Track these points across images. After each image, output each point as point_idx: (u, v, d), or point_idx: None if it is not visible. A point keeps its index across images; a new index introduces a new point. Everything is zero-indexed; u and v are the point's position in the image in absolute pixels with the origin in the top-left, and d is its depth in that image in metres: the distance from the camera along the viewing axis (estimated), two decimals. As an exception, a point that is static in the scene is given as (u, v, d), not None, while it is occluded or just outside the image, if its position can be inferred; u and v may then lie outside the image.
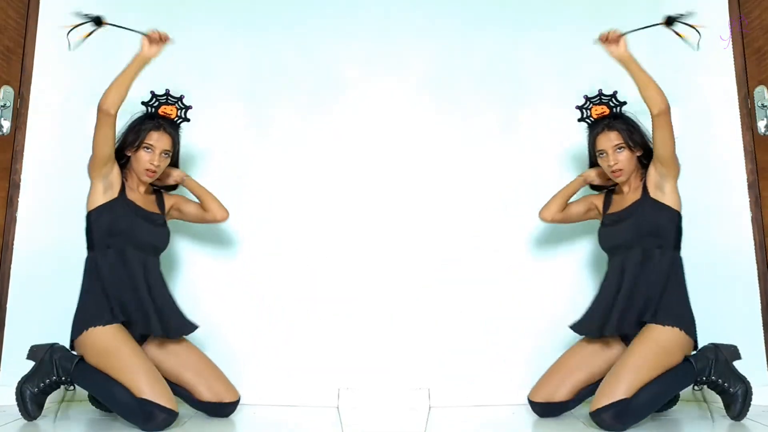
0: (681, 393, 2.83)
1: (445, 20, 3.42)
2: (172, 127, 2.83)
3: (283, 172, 3.29)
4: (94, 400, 2.85)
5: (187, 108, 2.89)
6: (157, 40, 2.73)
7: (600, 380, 2.62)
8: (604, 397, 2.44)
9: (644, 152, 2.78)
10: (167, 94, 2.86)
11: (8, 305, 3.06)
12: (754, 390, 2.56)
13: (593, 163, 2.89)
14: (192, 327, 2.76)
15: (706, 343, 2.67)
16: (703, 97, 3.24)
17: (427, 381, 3.09)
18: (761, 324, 3.05)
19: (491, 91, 3.36)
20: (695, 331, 2.61)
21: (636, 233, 2.67)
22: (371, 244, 3.21)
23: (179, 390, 2.71)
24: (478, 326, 3.17)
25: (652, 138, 2.72)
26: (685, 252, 2.70)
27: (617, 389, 2.44)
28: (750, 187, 3.14)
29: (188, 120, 2.90)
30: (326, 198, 3.26)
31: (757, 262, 3.10)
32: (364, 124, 3.31)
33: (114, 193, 2.70)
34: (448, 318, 3.17)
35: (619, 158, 2.74)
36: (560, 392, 2.71)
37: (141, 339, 2.69)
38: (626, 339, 2.69)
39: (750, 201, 3.14)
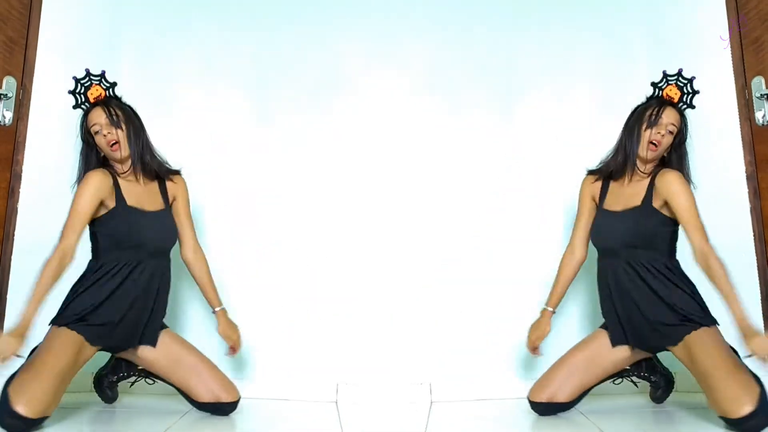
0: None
1: (443, 15, 3.41)
2: (104, 101, 2.73)
3: (283, 167, 3.29)
4: (98, 389, 2.87)
5: (113, 85, 2.79)
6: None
7: (599, 382, 2.69)
8: (744, 403, 2.29)
9: (677, 161, 2.76)
10: (87, 74, 2.78)
11: (8, 297, 3.06)
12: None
13: (629, 144, 2.75)
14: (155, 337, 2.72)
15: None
16: (701, 88, 3.17)
17: (428, 376, 3.10)
18: (761, 315, 3.05)
19: (490, 86, 3.36)
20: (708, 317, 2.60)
21: (634, 242, 2.65)
22: (371, 239, 3.21)
23: (178, 390, 2.72)
24: (480, 321, 3.18)
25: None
26: (683, 244, 2.69)
27: (748, 388, 2.32)
28: (749, 178, 3.14)
29: (117, 98, 2.79)
30: (326, 193, 3.27)
31: (756, 254, 3.10)
32: (364, 120, 3.30)
33: (112, 202, 2.65)
34: (449, 313, 3.18)
35: (664, 136, 2.68)
36: (563, 392, 2.67)
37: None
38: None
39: (749, 192, 3.13)
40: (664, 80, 2.81)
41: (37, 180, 3.14)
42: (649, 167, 2.72)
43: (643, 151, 2.69)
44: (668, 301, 2.58)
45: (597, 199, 2.83)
